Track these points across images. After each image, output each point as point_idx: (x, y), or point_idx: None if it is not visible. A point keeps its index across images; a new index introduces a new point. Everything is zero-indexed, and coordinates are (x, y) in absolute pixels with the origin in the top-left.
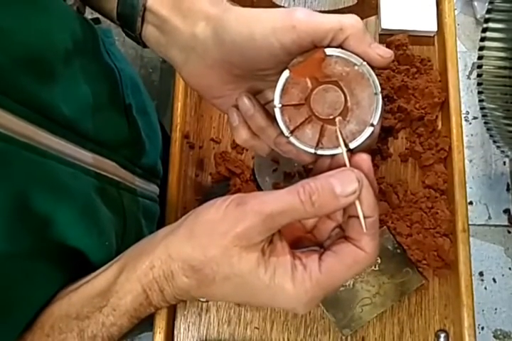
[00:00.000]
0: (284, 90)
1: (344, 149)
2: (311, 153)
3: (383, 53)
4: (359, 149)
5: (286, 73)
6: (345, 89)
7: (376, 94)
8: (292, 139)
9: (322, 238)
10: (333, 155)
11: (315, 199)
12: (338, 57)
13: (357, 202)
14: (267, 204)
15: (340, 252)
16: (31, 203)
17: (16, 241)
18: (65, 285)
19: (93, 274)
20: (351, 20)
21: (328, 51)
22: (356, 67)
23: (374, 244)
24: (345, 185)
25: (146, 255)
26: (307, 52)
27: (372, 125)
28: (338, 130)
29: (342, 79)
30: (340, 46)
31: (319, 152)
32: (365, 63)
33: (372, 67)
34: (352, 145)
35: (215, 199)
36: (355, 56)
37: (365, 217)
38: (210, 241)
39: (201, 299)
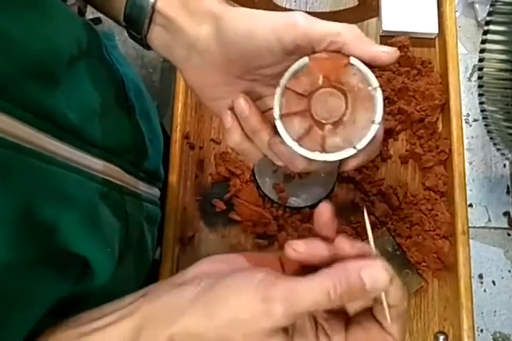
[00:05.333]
0: (295, 75)
1: (353, 151)
2: (305, 157)
3: (388, 50)
4: (340, 164)
5: (305, 60)
6: (349, 103)
7: (373, 122)
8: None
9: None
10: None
11: (344, 298)
12: (358, 70)
13: (383, 295)
14: (295, 304)
15: (368, 331)
16: (36, 211)
17: (21, 250)
18: (67, 294)
19: (103, 321)
20: (348, 26)
21: (353, 60)
22: (369, 88)
23: (403, 332)
24: (377, 282)
25: (165, 325)
26: (335, 53)
27: (355, 148)
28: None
29: (351, 92)
30: (357, 58)
31: (328, 158)
32: (379, 89)
33: (382, 90)
34: (329, 158)
35: (239, 274)
36: (375, 78)
37: (392, 306)
38: (231, 327)
39: None
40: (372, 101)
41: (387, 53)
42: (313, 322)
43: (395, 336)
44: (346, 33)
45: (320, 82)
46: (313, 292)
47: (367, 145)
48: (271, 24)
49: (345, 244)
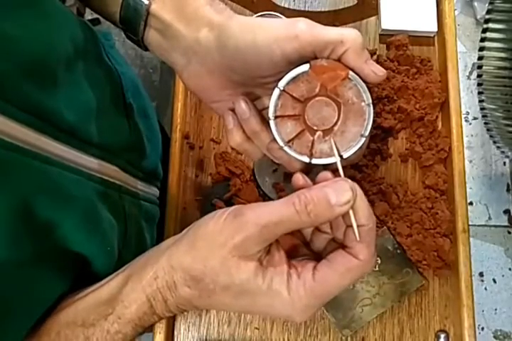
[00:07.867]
0: (293, 79)
1: (338, 159)
2: (302, 161)
3: (377, 71)
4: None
5: (306, 66)
6: (341, 114)
7: (362, 135)
8: (286, 149)
9: (317, 248)
10: (325, 165)
11: (310, 210)
12: (355, 85)
13: (350, 211)
14: (263, 216)
15: (333, 260)
16: (34, 210)
17: (19, 248)
18: (67, 292)
19: (99, 284)
20: (352, 33)
21: (352, 75)
22: (363, 104)
23: (368, 252)
24: (340, 195)
25: (150, 266)
26: (335, 61)
27: (341, 157)
28: (333, 142)
29: (345, 105)
30: (339, 59)
31: (313, 161)
32: (371, 105)
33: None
34: (314, 162)
35: (215, 212)
36: (369, 95)
37: (360, 226)
38: (209, 252)
39: None
40: (363, 116)
41: (374, 74)
42: (287, 261)
43: (360, 257)
44: (348, 42)
45: (317, 90)
46: (279, 205)
47: (352, 154)
48: (273, 34)
49: (326, 175)
